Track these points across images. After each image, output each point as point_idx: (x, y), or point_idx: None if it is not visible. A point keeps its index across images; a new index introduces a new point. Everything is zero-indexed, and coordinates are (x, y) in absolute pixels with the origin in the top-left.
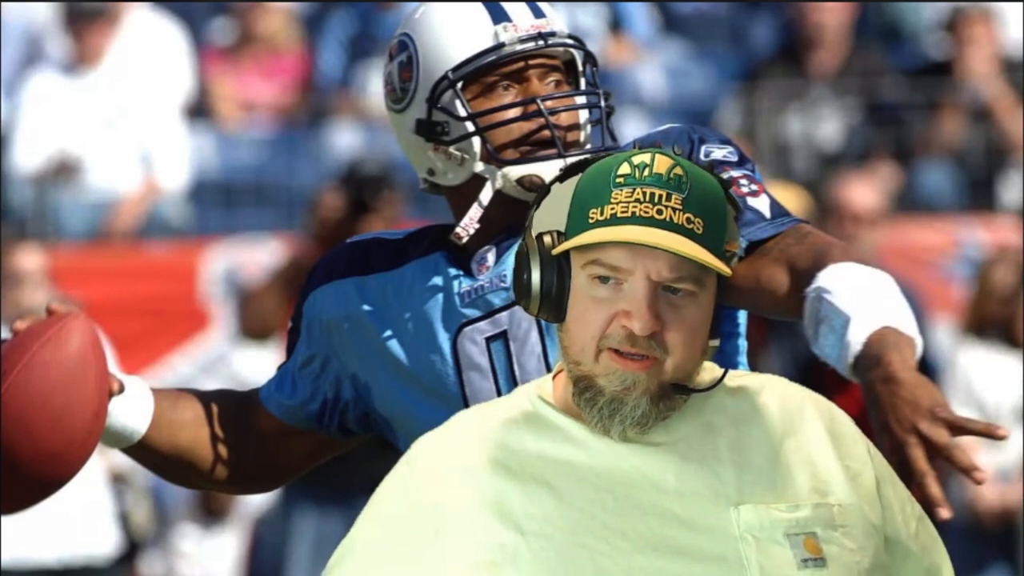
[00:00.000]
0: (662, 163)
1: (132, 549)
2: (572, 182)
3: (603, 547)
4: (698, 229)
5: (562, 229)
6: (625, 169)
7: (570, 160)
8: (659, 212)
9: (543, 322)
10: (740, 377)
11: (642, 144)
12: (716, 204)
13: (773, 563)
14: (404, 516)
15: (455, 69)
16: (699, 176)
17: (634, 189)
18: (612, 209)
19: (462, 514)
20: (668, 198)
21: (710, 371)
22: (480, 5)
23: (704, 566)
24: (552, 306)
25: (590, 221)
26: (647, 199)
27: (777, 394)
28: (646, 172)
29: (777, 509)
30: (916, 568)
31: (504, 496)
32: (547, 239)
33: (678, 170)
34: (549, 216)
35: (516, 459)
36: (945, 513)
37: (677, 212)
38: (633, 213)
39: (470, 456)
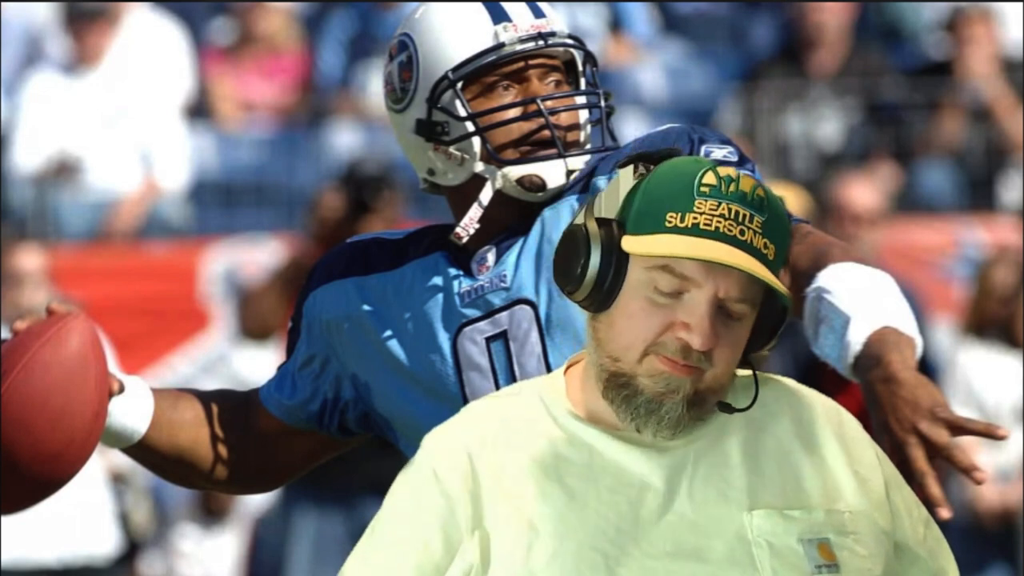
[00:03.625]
0: (746, 181)
1: (132, 549)
2: (634, 173)
3: (616, 551)
4: (771, 255)
5: (616, 218)
6: (711, 179)
7: (570, 161)
8: (742, 232)
9: (543, 323)
10: (751, 379)
11: (642, 144)
12: (785, 231)
13: (786, 568)
14: (427, 510)
15: (455, 69)
16: (773, 199)
17: (719, 203)
18: (695, 219)
19: (476, 511)
20: (751, 219)
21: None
22: (480, 5)
23: (717, 570)
24: (601, 297)
25: (667, 224)
26: (732, 216)
27: (788, 397)
28: (732, 187)
29: (791, 514)
30: (924, 572)
31: (520, 494)
32: (609, 228)
33: (760, 192)
34: (604, 204)
35: (530, 458)
36: (945, 513)
37: (757, 235)
38: (717, 228)
39: (483, 453)
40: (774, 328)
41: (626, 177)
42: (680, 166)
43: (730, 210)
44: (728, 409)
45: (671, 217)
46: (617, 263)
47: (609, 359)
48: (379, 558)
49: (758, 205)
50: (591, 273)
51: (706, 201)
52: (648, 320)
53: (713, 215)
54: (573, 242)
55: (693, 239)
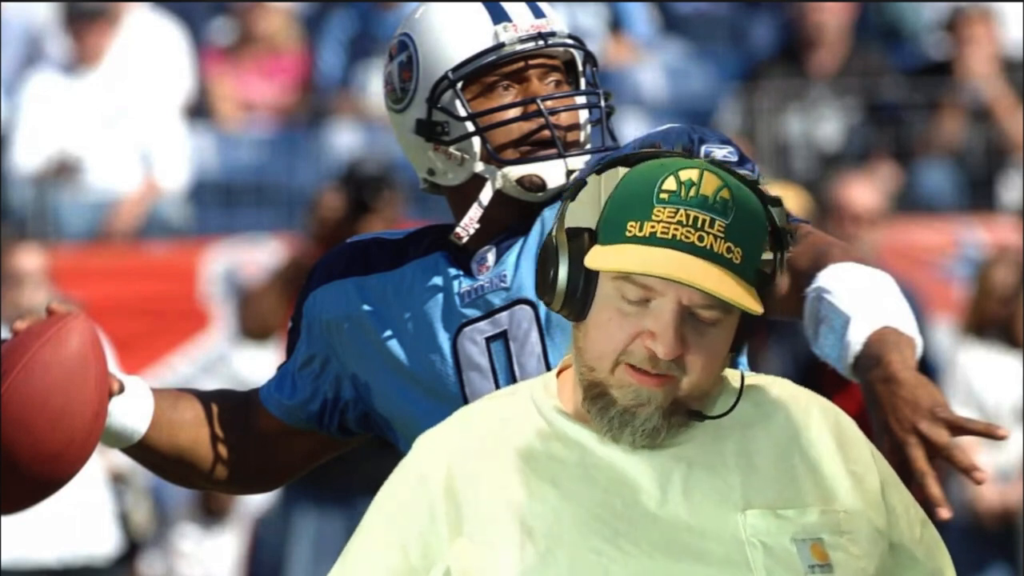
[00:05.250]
0: (709, 183)
1: (132, 549)
2: (609, 178)
3: (612, 551)
4: (736, 259)
5: (592, 227)
6: (671, 185)
7: (570, 161)
8: (700, 239)
9: (543, 323)
10: (746, 379)
11: (642, 144)
12: (756, 227)
13: (780, 568)
14: (409, 515)
15: (455, 69)
16: (743, 198)
17: (677, 209)
18: (652, 227)
19: (469, 513)
20: (711, 224)
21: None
22: (480, 5)
23: (712, 570)
24: (575, 306)
25: (627, 234)
26: (689, 223)
27: (783, 397)
28: (692, 192)
29: (784, 514)
30: (921, 573)
31: (512, 495)
32: (579, 239)
33: (724, 193)
34: (582, 210)
35: (523, 458)
36: (945, 513)
37: (718, 240)
38: (674, 236)
39: (475, 454)
40: (753, 328)
41: (599, 184)
42: (645, 172)
43: (688, 216)
44: (699, 417)
45: (631, 226)
46: (587, 274)
47: (586, 368)
48: (357, 562)
49: (720, 208)
50: (560, 284)
51: (664, 208)
52: (617, 330)
53: (670, 223)
54: (546, 253)
55: (649, 249)
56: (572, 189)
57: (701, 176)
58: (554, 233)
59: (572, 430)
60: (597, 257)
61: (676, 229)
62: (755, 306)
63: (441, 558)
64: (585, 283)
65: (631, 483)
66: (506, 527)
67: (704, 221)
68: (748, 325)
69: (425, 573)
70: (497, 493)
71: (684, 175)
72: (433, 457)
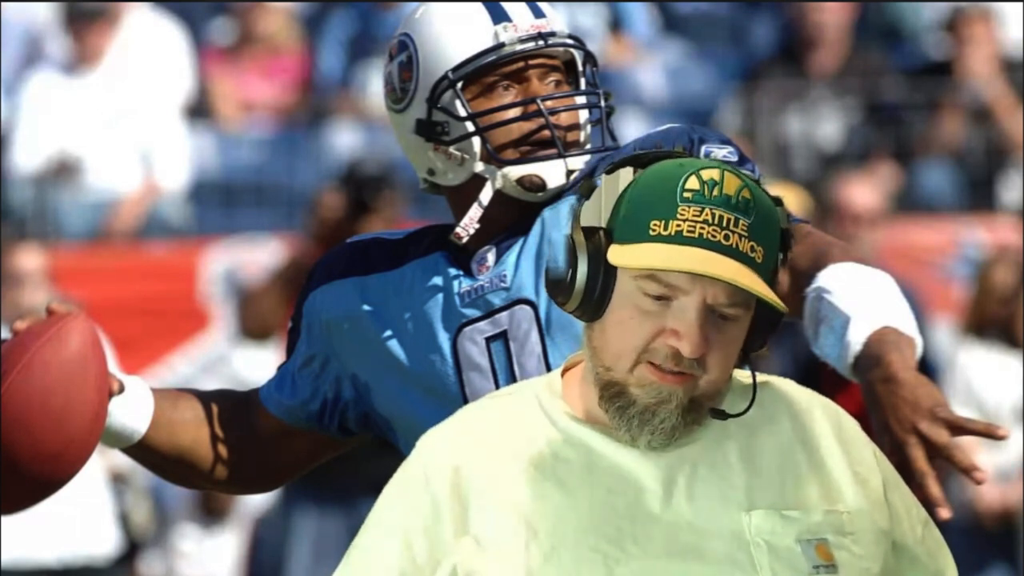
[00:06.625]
0: (731, 183)
1: (132, 549)
2: (621, 178)
3: (615, 551)
4: (759, 258)
5: (604, 225)
6: (694, 184)
7: (570, 161)
8: (726, 238)
9: (543, 323)
10: (750, 379)
11: (642, 144)
12: (774, 228)
13: (785, 568)
14: (413, 514)
15: (455, 69)
16: (762, 199)
17: (702, 208)
18: (678, 226)
19: (475, 512)
20: (735, 223)
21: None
22: (480, 5)
23: (716, 570)
24: (592, 306)
25: (651, 233)
26: (715, 222)
27: (786, 398)
28: (715, 191)
29: (789, 515)
30: (923, 573)
31: (516, 495)
32: (596, 238)
33: (746, 193)
34: (594, 210)
35: (528, 458)
36: (945, 513)
37: (743, 239)
38: (700, 235)
39: (480, 453)
40: (771, 326)
41: (611, 183)
42: (664, 171)
43: (714, 215)
44: (721, 416)
45: (655, 225)
46: (605, 273)
47: (603, 368)
48: (362, 561)
49: (743, 207)
50: (579, 284)
51: (689, 207)
52: (638, 328)
53: (696, 221)
54: (562, 253)
55: (676, 247)
56: (584, 188)
57: (722, 176)
58: (570, 233)
59: (577, 431)
60: (621, 255)
61: (702, 228)
62: (779, 303)
63: (447, 556)
64: (603, 283)
65: (635, 484)
66: (511, 527)
67: (729, 220)
68: (762, 324)
69: (430, 571)
70: (502, 493)
71: (706, 175)
72: (437, 456)
